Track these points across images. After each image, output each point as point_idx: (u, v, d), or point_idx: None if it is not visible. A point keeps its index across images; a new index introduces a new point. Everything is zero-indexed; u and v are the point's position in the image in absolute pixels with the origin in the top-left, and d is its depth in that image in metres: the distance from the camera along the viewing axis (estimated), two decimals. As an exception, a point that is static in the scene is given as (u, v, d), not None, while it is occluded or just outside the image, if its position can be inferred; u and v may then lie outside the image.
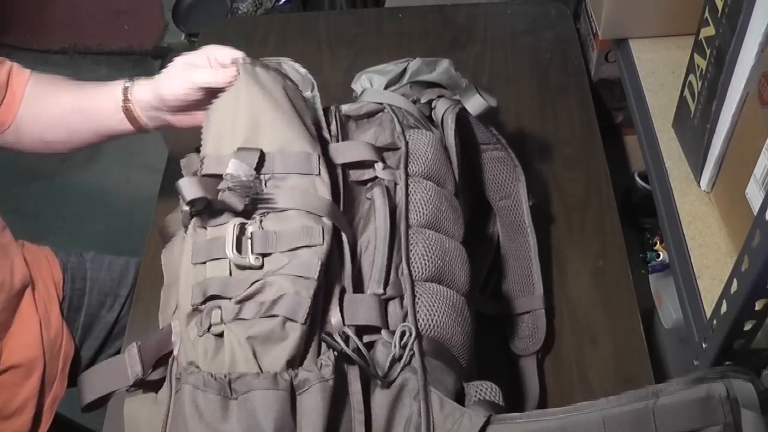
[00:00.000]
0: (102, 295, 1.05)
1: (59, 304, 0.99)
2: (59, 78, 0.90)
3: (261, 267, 0.66)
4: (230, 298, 0.63)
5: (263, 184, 0.70)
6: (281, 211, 0.68)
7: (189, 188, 0.66)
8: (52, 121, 0.87)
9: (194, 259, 0.67)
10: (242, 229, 0.66)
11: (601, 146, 1.09)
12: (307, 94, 0.82)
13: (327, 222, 0.68)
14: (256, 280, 0.64)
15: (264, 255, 0.66)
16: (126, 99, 0.83)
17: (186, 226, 0.70)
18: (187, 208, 0.68)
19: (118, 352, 1.05)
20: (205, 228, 0.69)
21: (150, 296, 0.96)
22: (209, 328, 0.63)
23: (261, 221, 0.68)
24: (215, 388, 0.58)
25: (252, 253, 0.65)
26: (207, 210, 0.69)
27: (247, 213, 0.68)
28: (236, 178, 0.67)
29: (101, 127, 0.86)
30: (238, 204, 0.67)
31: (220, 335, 0.62)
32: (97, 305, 1.04)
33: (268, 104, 0.73)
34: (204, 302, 0.64)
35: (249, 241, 0.66)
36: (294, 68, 0.82)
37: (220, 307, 0.63)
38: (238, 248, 0.65)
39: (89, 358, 1.04)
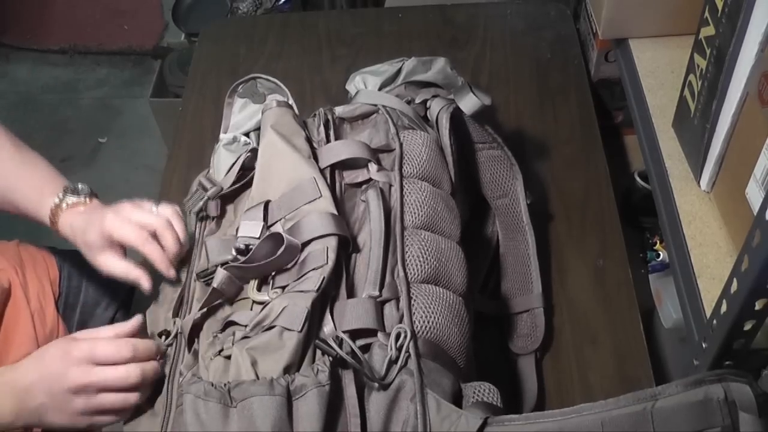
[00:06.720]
0: (98, 294, 1.05)
1: (55, 301, 1.00)
2: None
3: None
4: (246, 326, 0.66)
5: (281, 228, 0.74)
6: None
7: (215, 251, 0.75)
8: None
9: None
10: None
11: (601, 146, 1.08)
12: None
13: (331, 242, 0.70)
14: (265, 306, 0.66)
15: (283, 287, 0.69)
16: (52, 222, 0.83)
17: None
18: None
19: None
20: None
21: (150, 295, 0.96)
22: (220, 351, 0.65)
23: None
24: (216, 397, 0.59)
25: (272, 289, 0.69)
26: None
27: None
28: (245, 239, 0.73)
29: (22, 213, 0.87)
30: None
31: (230, 357, 0.64)
32: (93, 303, 1.04)
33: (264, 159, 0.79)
34: (222, 330, 0.68)
35: (271, 280, 0.71)
36: (268, 79, 0.88)
37: (234, 334, 0.66)
38: (259, 288, 0.71)
39: None
